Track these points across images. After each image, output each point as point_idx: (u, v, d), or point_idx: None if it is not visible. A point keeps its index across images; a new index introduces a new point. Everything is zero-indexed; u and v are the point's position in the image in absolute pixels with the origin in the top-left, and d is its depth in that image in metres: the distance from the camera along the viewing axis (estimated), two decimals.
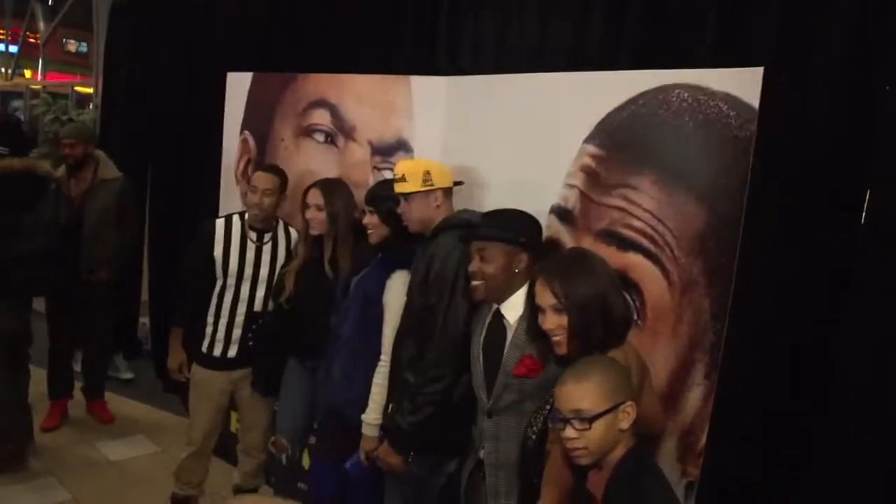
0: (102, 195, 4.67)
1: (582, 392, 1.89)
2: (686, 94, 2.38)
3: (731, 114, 2.27)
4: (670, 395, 2.48)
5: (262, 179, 3.46)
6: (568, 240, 2.76)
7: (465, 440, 2.69)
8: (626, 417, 1.90)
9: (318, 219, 3.26)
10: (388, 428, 2.87)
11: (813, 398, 2.31)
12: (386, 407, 2.93)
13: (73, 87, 9.17)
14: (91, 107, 7.82)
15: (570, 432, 1.88)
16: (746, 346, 2.36)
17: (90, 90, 8.33)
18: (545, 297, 2.18)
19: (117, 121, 6.08)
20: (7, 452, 4.09)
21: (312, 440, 3.59)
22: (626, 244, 2.56)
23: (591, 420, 1.86)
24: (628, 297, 2.45)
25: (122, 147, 5.57)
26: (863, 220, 2.26)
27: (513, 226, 2.52)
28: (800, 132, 2.29)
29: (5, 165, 3.82)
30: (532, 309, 2.31)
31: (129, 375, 5.64)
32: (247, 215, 3.53)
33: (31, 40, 11.89)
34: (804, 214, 2.28)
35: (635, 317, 2.51)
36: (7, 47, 12.92)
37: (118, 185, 4.74)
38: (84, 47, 10.63)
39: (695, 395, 2.43)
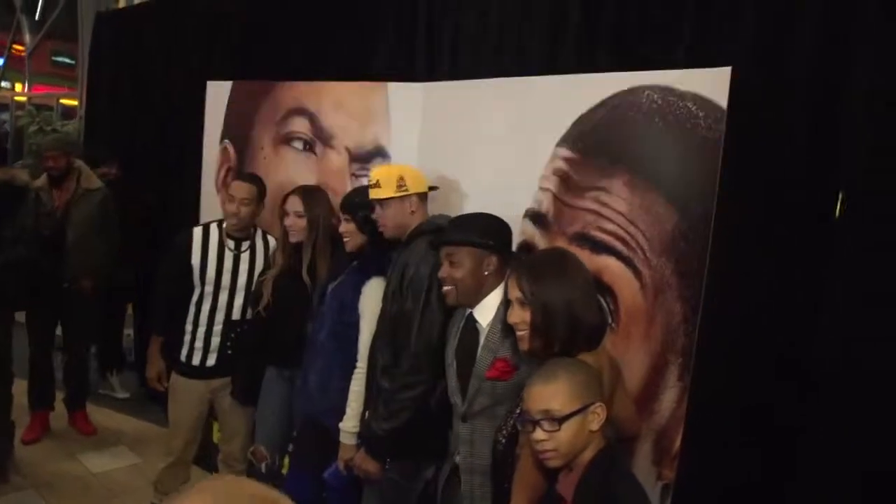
0: (85, 205, 4.65)
1: (551, 393, 1.87)
2: (656, 96, 2.38)
3: (700, 114, 2.26)
4: (644, 398, 2.47)
5: (239, 189, 3.44)
6: (542, 244, 2.75)
7: (442, 446, 2.68)
8: (596, 418, 1.89)
9: (297, 225, 3.25)
10: (364, 435, 2.85)
11: (788, 398, 2.30)
12: (363, 414, 2.92)
13: (58, 99, 9.16)
14: (77, 118, 7.80)
15: (539, 434, 1.87)
16: (720, 347, 2.34)
17: (76, 102, 8.32)
18: (513, 290, 2.18)
19: (101, 131, 6.06)
20: None
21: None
22: (599, 247, 2.55)
23: (561, 421, 1.84)
24: (604, 304, 2.45)
25: (105, 157, 5.54)
26: (836, 219, 2.25)
27: (480, 229, 2.51)
28: (770, 133, 2.28)
29: None
30: (506, 305, 2.31)
31: (124, 395, 5.58)
32: (224, 224, 3.52)
33: (18, 52, 11.86)
34: (776, 215, 2.27)
35: (610, 321, 2.50)
36: None
37: (100, 195, 4.73)
38: (67, 59, 10.59)
39: (669, 398, 2.42)
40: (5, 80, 12.58)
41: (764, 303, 2.29)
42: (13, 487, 4.09)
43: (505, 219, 2.57)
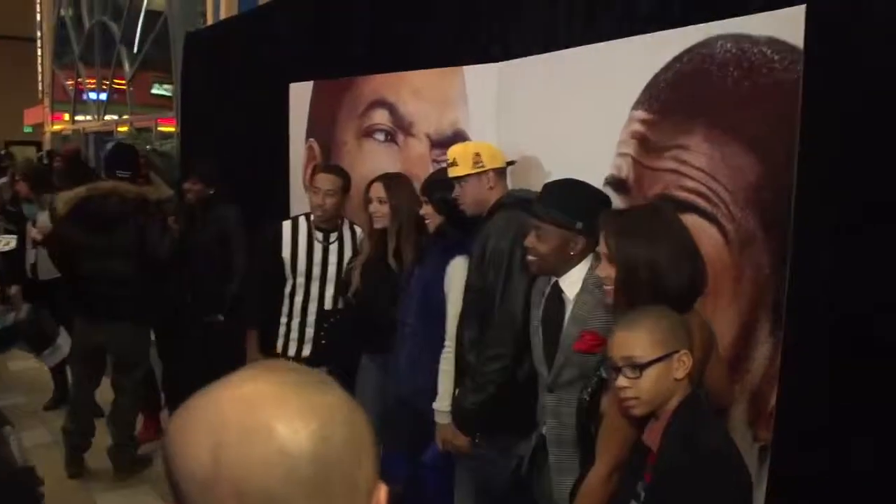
0: None
1: (633, 339, 1.84)
2: (729, 45, 2.31)
3: (776, 58, 2.18)
4: (736, 358, 2.39)
5: (324, 180, 3.53)
6: None
7: (532, 420, 2.65)
8: (682, 366, 1.83)
9: (380, 212, 3.30)
10: (453, 410, 2.86)
11: (886, 346, 2.17)
12: (454, 392, 2.93)
13: (155, 121, 9.57)
14: (175, 137, 8.11)
15: (621, 381, 1.84)
16: (811, 298, 2.24)
17: (173, 129, 8.66)
18: (601, 245, 2.14)
19: (195, 148, 6.28)
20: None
21: None
22: (681, 207, 2.47)
23: (643, 367, 1.81)
24: (698, 268, 2.36)
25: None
26: None
27: (571, 208, 2.42)
28: (851, 70, 2.17)
29: (101, 189, 4.01)
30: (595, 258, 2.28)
31: None
32: (312, 216, 3.60)
33: (118, 86, 12.49)
34: (860, 153, 2.15)
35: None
36: (98, 95, 13.63)
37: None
38: (166, 90, 11.01)
39: (761, 355, 2.34)
40: (109, 112, 13.24)
41: (854, 246, 2.17)
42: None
43: None
